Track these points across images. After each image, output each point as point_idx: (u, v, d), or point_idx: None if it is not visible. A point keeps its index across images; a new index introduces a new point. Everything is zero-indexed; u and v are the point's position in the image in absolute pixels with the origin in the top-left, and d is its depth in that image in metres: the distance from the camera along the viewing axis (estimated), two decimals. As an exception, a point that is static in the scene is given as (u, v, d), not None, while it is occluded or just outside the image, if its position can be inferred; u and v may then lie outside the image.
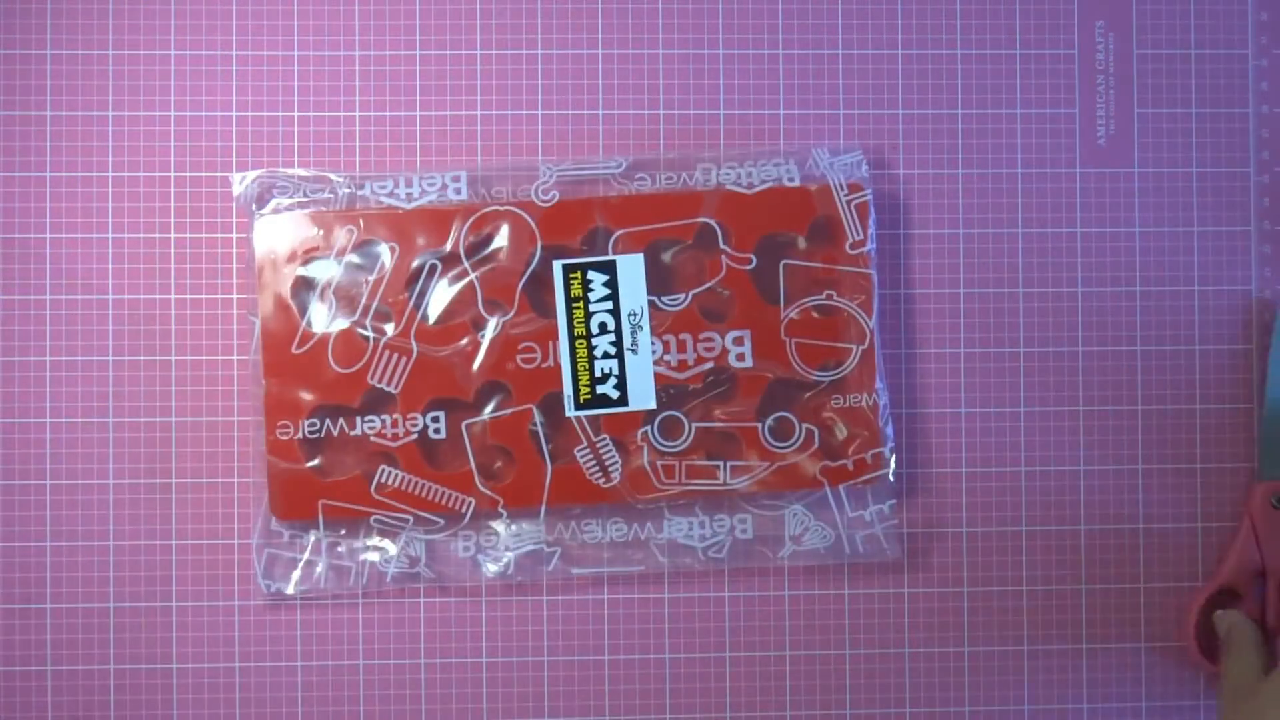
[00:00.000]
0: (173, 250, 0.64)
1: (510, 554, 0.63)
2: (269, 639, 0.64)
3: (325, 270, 0.61)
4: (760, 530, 0.63)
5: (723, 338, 0.62)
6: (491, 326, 0.61)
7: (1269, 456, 0.66)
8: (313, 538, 0.63)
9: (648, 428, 0.62)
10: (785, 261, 0.62)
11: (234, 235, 0.64)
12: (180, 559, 0.64)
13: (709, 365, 0.62)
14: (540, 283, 0.62)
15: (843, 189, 0.62)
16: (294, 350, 0.61)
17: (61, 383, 0.64)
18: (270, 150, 0.64)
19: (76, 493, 0.64)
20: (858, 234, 0.62)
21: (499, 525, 0.63)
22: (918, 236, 0.66)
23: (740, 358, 0.62)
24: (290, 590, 0.63)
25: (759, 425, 0.62)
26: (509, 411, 0.61)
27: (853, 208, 0.62)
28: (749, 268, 0.62)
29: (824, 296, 0.62)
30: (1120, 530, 0.66)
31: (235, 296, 0.64)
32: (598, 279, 0.61)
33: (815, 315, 0.62)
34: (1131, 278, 0.66)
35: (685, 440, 0.62)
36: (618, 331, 0.61)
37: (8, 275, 0.64)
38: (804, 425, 0.62)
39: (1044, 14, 0.66)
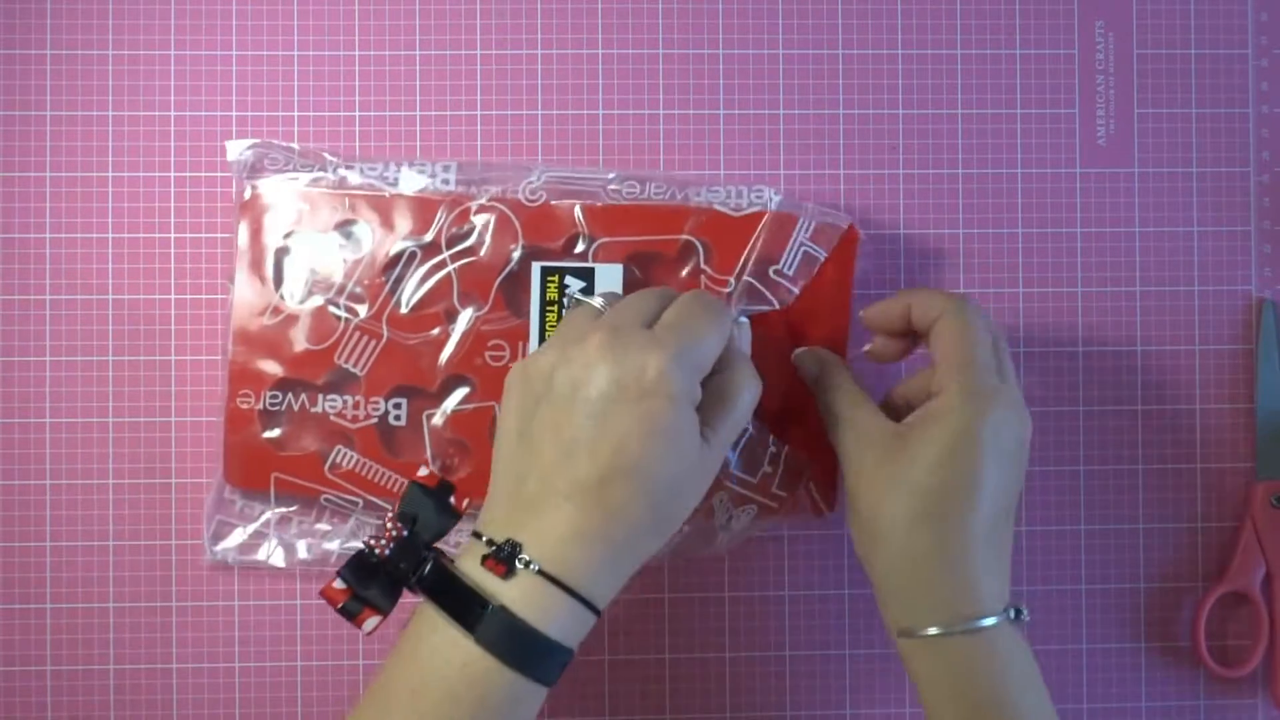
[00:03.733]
0: (172, 250, 0.64)
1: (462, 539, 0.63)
2: (269, 639, 0.64)
3: (306, 244, 0.61)
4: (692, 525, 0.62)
5: None
6: (464, 319, 0.61)
7: (1268, 456, 0.66)
8: (265, 513, 0.62)
9: None
10: (747, 279, 0.61)
11: (234, 235, 0.64)
12: (180, 559, 0.64)
13: None
14: (517, 282, 0.61)
15: (806, 230, 0.61)
16: (265, 321, 0.61)
17: (61, 383, 0.64)
18: (270, 150, 0.64)
19: (76, 493, 0.64)
20: (789, 268, 0.61)
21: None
22: (917, 237, 0.66)
23: None
24: (231, 559, 0.62)
25: None
26: (471, 406, 0.61)
27: (800, 249, 0.61)
28: (728, 290, 0.61)
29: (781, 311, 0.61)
30: (1120, 530, 0.66)
31: (235, 297, 0.64)
32: (575, 285, 0.60)
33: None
34: (1131, 278, 0.66)
35: None
36: None
37: (8, 275, 0.64)
38: (769, 451, 0.61)
39: (1044, 14, 0.66)
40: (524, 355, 0.60)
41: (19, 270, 0.64)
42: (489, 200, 0.61)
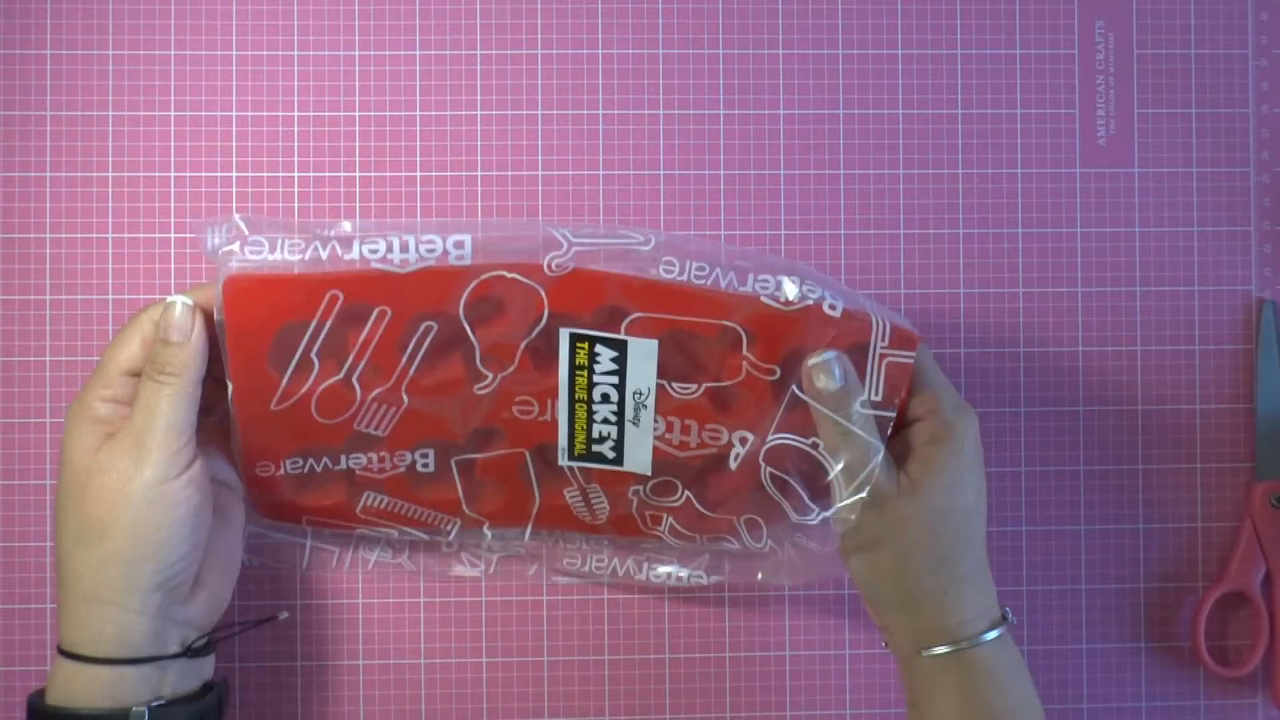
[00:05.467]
0: (173, 250, 0.64)
1: (494, 555, 0.63)
2: (268, 639, 0.64)
3: (309, 331, 0.55)
4: (734, 564, 0.62)
5: (729, 433, 0.57)
6: (489, 382, 0.57)
7: (1268, 456, 0.66)
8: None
9: (641, 487, 0.59)
10: (794, 388, 0.56)
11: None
12: (180, 559, 0.64)
13: (712, 451, 0.58)
14: (544, 344, 0.57)
15: (884, 337, 0.55)
16: (273, 407, 0.56)
17: (61, 383, 0.64)
18: (270, 150, 0.64)
19: (76, 493, 0.64)
20: (875, 394, 0.55)
21: (484, 530, 0.62)
22: (917, 236, 0.66)
23: (736, 457, 0.58)
24: (276, 560, 0.63)
25: (736, 519, 0.59)
26: (501, 452, 0.59)
27: (884, 363, 0.55)
28: (772, 378, 0.56)
29: (809, 444, 0.57)
30: (1120, 530, 0.66)
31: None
32: (606, 354, 0.56)
33: (796, 457, 0.57)
34: (1131, 278, 0.66)
35: (679, 499, 0.59)
36: (620, 404, 0.57)
37: (8, 275, 0.64)
38: (768, 540, 0.60)
39: (1044, 14, 0.66)
40: (553, 413, 0.58)
41: (19, 270, 0.64)
42: (510, 272, 0.55)
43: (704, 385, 0.57)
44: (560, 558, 0.63)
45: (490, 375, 0.57)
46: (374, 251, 0.54)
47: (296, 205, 0.64)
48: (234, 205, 0.64)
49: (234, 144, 0.64)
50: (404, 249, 0.54)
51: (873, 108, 0.66)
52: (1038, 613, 0.66)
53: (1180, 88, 0.67)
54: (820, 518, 0.56)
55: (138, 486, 0.53)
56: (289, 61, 0.65)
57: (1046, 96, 0.66)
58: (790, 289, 0.55)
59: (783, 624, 0.65)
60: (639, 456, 0.58)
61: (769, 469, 0.57)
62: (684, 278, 0.55)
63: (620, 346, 0.56)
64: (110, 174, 0.64)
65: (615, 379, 0.57)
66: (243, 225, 0.54)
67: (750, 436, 0.57)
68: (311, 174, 0.64)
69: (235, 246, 0.54)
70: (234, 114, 0.64)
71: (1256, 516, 0.65)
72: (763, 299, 0.55)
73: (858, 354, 0.55)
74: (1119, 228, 0.66)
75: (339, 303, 0.55)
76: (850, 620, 0.65)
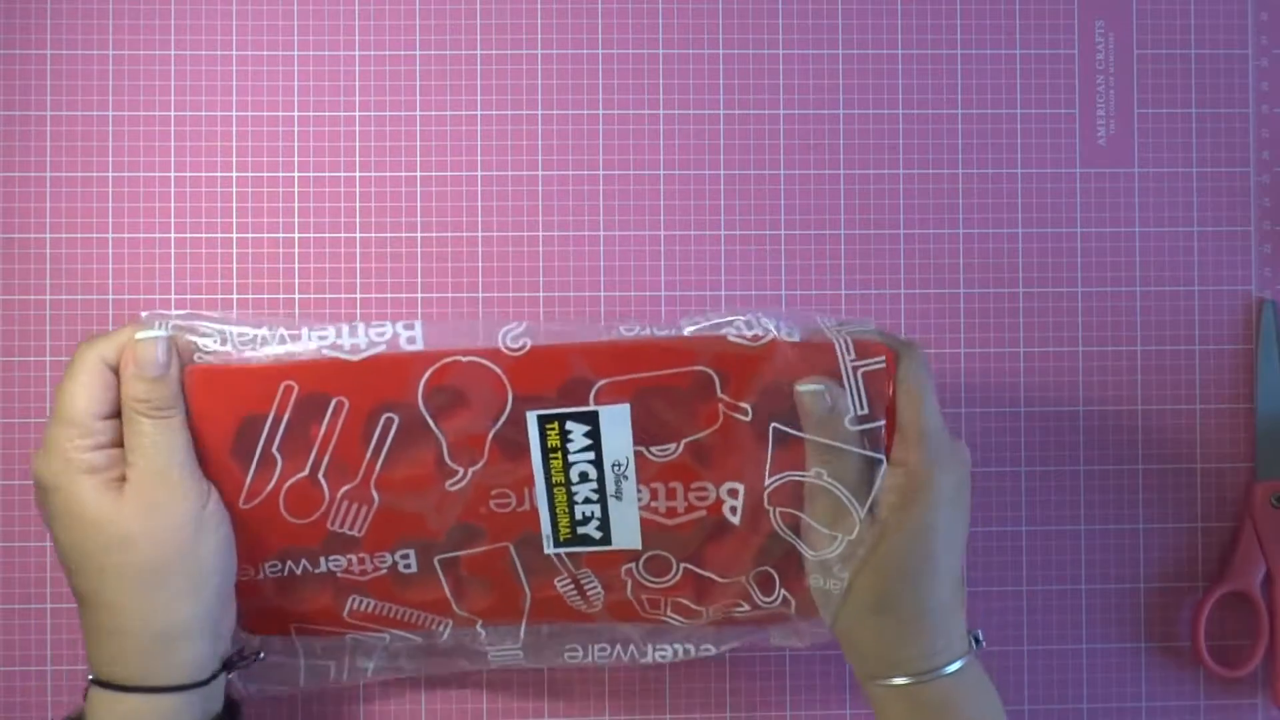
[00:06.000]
0: (172, 250, 0.64)
1: (494, 665, 0.61)
2: (268, 640, 0.64)
3: (268, 425, 0.54)
4: (742, 639, 0.61)
5: (717, 488, 0.56)
6: (460, 477, 0.55)
7: (1268, 456, 0.66)
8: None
9: (633, 565, 0.57)
10: (775, 425, 0.54)
11: (234, 235, 0.64)
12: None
13: (701, 514, 0.56)
14: (512, 431, 0.55)
15: (849, 352, 0.54)
16: (241, 505, 0.55)
17: (61, 383, 0.64)
18: (270, 150, 0.64)
19: (76, 493, 0.64)
20: (860, 408, 0.54)
21: (478, 629, 0.60)
22: (917, 236, 0.66)
23: (734, 511, 0.56)
24: (272, 683, 0.61)
25: (744, 578, 0.57)
26: (483, 549, 0.57)
27: (859, 375, 0.54)
28: (747, 419, 0.54)
29: (813, 475, 0.54)
30: (1120, 530, 0.66)
31: (235, 297, 0.64)
32: (578, 430, 0.54)
33: (801, 491, 0.55)
34: (1131, 278, 0.66)
35: (673, 579, 0.57)
36: (600, 480, 0.55)
37: (8, 275, 0.64)
38: (781, 590, 0.57)
39: (1044, 14, 0.66)
40: (532, 502, 0.56)
41: (19, 270, 0.64)
42: (466, 358, 0.54)
43: (682, 442, 0.55)
44: (561, 652, 0.60)
45: (460, 470, 0.55)
46: (323, 338, 0.54)
47: (296, 205, 0.64)
48: (234, 205, 0.64)
49: (234, 144, 0.64)
50: (353, 333, 0.54)
51: (873, 108, 0.66)
52: (1038, 613, 0.66)
53: (1180, 88, 0.67)
54: (844, 542, 0.54)
55: (185, 521, 0.52)
56: (289, 61, 0.65)
57: (1046, 96, 0.66)
58: (751, 326, 0.54)
59: (783, 624, 0.65)
60: (627, 532, 0.56)
61: (778, 510, 0.55)
62: (646, 333, 0.54)
63: (592, 419, 0.54)
64: (110, 174, 0.64)
65: (591, 454, 0.55)
66: (191, 325, 0.54)
67: (740, 487, 0.55)
68: (311, 174, 0.64)
69: (196, 339, 0.54)
70: (234, 114, 0.64)
71: (1256, 516, 0.65)
72: (730, 338, 0.54)
73: (832, 377, 0.54)
74: (1119, 228, 0.66)
75: (294, 393, 0.54)
76: (850, 620, 0.65)
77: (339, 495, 0.55)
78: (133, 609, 0.52)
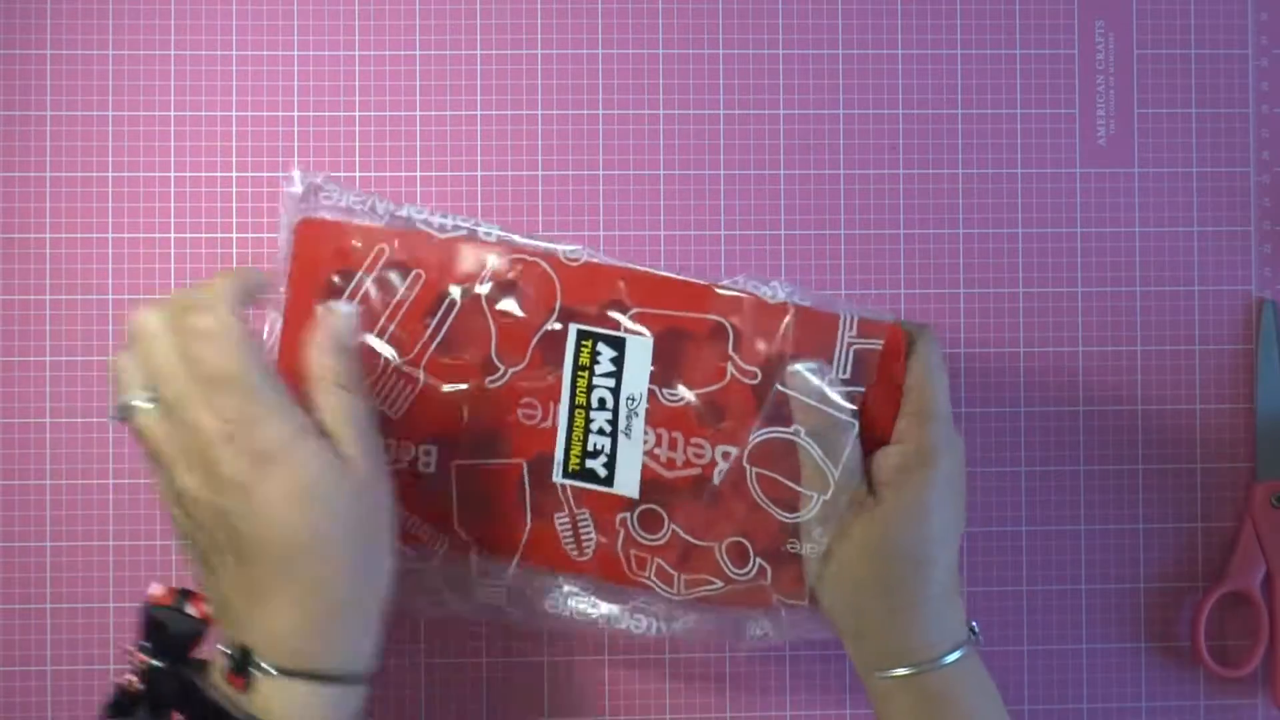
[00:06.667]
0: (172, 250, 0.64)
1: (480, 583, 0.61)
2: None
3: (354, 280, 0.58)
4: (720, 624, 0.61)
5: (712, 449, 0.58)
6: (500, 375, 0.59)
7: (1268, 456, 0.66)
8: None
9: (628, 514, 0.58)
10: (778, 386, 0.57)
11: (234, 235, 0.64)
12: (179, 559, 0.64)
13: (696, 472, 0.58)
14: (554, 341, 0.58)
15: (850, 328, 0.57)
16: None
17: (61, 383, 0.64)
18: (270, 150, 0.64)
19: (76, 493, 0.64)
20: (843, 372, 0.57)
21: (470, 565, 0.60)
22: (917, 236, 0.66)
23: (721, 474, 0.57)
24: None
25: (718, 546, 0.58)
26: (499, 462, 0.59)
27: (851, 350, 0.57)
28: (753, 382, 0.57)
29: (790, 431, 0.57)
30: (1120, 530, 0.66)
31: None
32: (606, 353, 0.58)
33: (782, 448, 0.57)
34: (1131, 278, 0.66)
35: (663, 537, 0.58)
36: (615, 412, 0.58)
37: (8, 275, 0.64)
38: (757, 560, 0.58)
39: (1044, 14, 0.66)
40: (554, 420, 0.58)
41: (19, 270, 0.64)
42: (529, 255, 0.58)
43: (692, 392, 0.57)
44: (544, 598, 0.61)
45: (502, 369, 0.58)
46: (419, 213, 0.59)
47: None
48: (234, 205, 0.64)
49: (234, 144, 0.64)
50: (444, 216, 0.59)
51: (873, 108, 0.66)
52: (1038, 613, 0.66)
53: (1180, 88, 0.67)
54: (819, 502, 0.56)
55: (386, 495, 0.52)
56: (289, 61, 0.65)
57: (1046, 96, 0.66)
58: (779, 290, 0.57)
59: (783, 624, 0.65)
60: (629, 475, 0.58)
61: (755, 470, 0.57)
62: (682, 277, 0.57)
63: (619, 345, 0.57)
64: (110, 174, 0.64)
65: (612, 381, 0.58)
66: (321, 181, 0.59)
67: (733, 451, 0.57)
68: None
69: (323, 183, 0.59)
70: (234, 114, 0.64)
71: (1256, 516, 0.65)
72: (757, 295, 0.57)
73: (828, 347, 0.57)
74: (1119, 228, 0.66)
75: (384, 256, 0.58)
76: (850, 620, 0.65)
77: (390, 368, 0.58)
78: (349, 587, 0.50)
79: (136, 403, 0.50)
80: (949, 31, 0.66)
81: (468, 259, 0.59)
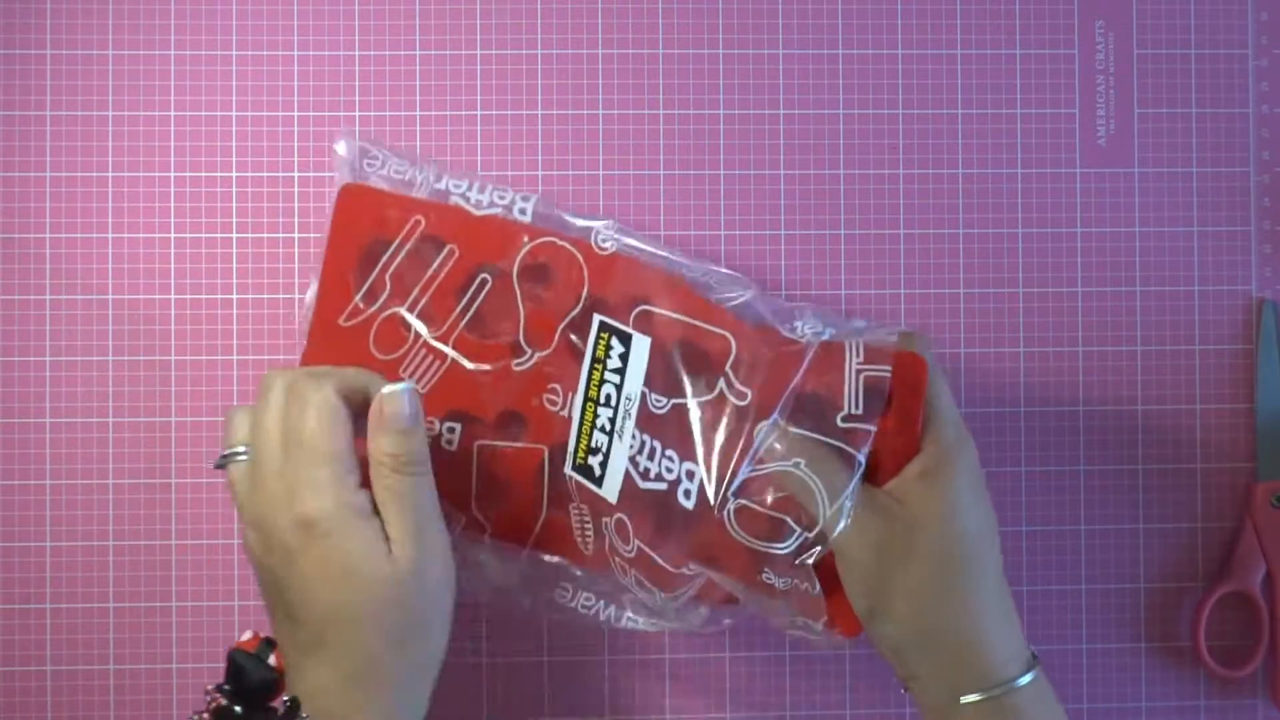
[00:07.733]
0: (172, 250, 0.64)
1: (490, 585, 0.61)
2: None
3: (391, 251, 0.59)
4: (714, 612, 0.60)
5: (679, 465, 0.55)
6: (527, 358, 0.58)
7: (1268, 457, 0.66)
8: None
9: (609, 519, 0.57)
10: (764, 422, 0.54)
11: (234, 235, 0.64)
12: (180, 559, 0.64)
13: (661, 487, 0.56)
14: (579, 329, 0.58)
15: (857, 355, 0.55)
16: (342, 322, 0.59)
17: (61, 383, 0.64)
18: (270, 150, 0.64)
19: (76, 493, 0.64)
20: (855, 407, 0.54)
21: (481, 555, 0.60)
22: (918, 236, 0.66)
23: (687, 495, 0.55)
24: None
25: (683, 569, 0.57)
26: (522, 445, 0.59)
27: (860, 378, 0.54)
28: (742, 403, 0.55)
29: (790, 465, 0.54)
30: (1120, 530, 0.66)
31: (235, 296, 0.64)
32: (616, 348, 0.57)
33: (775, 484, 0.54)
34: (1131, 278, 0.66)
35: (631, 550, 0.57)
36: (614, 410, 0.57)
37: (8, 275, 0.64)
38: (737, 584, 0.56)
39: (1044, 14, 0.66)
40: (570, 406, 0.58)
41: (19, 270, 0.64)
42: (563, 240, 0.58)
43: (672, 402, 0.56)
44: (554, 588, 0.61)
45: (529, 352, 0.59)
46: (457, 187, 0.59)
47: (296, 205, 0.64)
48: (234, 205, 0.64)
49: (234, 144, 0.64)
50: (480, 190, 0.59)
51: (873, 108, 0.66)
52: (1038, 613, 0.66)
53: (1180, 88, 0.67)
54: (799, 537, 0.53)
55: (442, 583, 0.53)
56: (289, 61, 0.65)
57: (1046, 96, 0.66)
58: (802, 328, 0.56)
59: (783, 624, 0.65)
60: (612, 479, 0.57)
61: (738, 502, 0.54)
62: (710, 270, 0.57)
63: (627, 340, 0.57)
64: (110, 174, 0.64)
65: (618, 378, 0.57)
66: (370, 146, 0.60)
67: (698, 471, 0.55)
68: (311, 174, 0.64)
69: (371, 147, 0.59)
70: (234, 114, 0.64)
71: (1257, 516, 0.65)
72: (781, 332, 0.56)
73: (835, 375, 0.54)
74: (1119, 228, 0.66)
75: (420, 228, 0.58)
76: (850, 620, 0.65)
77: (419, 343, 0.58)
78: (377, 667, 0.51)
79: (234, 453, 0.53)
80: (949, 31, 0.66)
81: (501, 239, 0.58)
